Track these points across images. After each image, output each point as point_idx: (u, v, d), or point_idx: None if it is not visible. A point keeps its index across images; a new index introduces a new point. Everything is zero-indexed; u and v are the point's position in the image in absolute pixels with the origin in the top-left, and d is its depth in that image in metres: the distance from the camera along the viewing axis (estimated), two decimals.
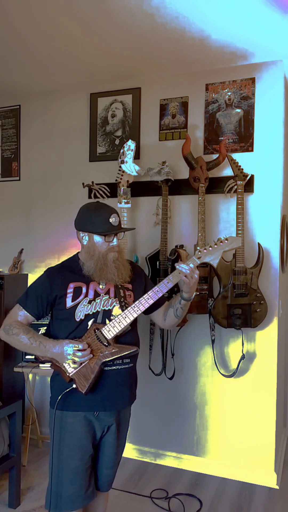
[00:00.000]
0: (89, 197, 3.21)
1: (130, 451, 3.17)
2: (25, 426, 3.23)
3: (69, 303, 1.74)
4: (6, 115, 3.62)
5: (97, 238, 1.77)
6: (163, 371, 2.99)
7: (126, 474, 2.94)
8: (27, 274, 3.49)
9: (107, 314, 1.75)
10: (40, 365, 3.03)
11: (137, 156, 3.03)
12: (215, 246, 1.78)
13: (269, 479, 2.83)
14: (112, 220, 1.76)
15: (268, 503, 2.66)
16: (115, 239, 1.79)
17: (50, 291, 1.77)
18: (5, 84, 3.28)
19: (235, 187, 2.75)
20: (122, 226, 1.91)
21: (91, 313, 1.74)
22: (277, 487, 2.81)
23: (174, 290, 2.75)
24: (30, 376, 3.30)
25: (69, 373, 1.70)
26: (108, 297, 1.77)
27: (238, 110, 2.89)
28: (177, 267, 1.74)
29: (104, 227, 1.75)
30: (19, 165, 3.59)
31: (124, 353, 1.70)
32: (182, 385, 3.05)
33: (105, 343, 1.69)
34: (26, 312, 1.79)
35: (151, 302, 1.75)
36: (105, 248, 1.77)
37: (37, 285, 1.81)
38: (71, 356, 1.66)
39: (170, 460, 3.08)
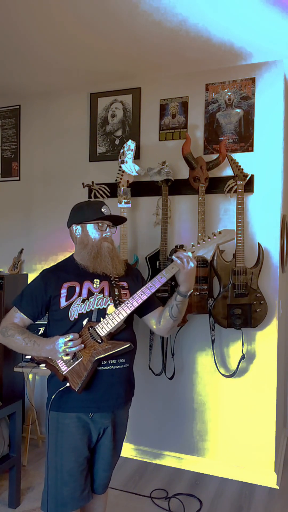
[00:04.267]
0: (89, 197, 3.21)
1: (130, 451, 3.17)
2: (25, 426, 3.23)
3: (63, 303, 1.74)
4: (6, 115, 3.62)
5: (90, 228, 1.80)
6: (163, 371, 2.99)
7: (126, 474, 2.94)
8: (27, 274, 3.50)
9: (102, 313, 1.74)
10: (39, 365, 3.02)
11: (137, 156, 3.03)
12: (209, 239, 1.75)
13: (269, 479, 2.83)
14: (104, 210, 1.80)
15: (268, 503, 2.66)
16: (108, 229, 1.81)
17: (45, 292, 1.77)
18: (5, 84, 3.28)
19: (235, 187, 2.75)
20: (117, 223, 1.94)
21: (84, 312, 1.73)
22: (277, 487, 2.81)
23: (172, 284, 2.77)
24: (30, 376, 3.30)
25: (63, 371, 1.70)
26: (102, 295, 1.76)
27: (238, 110, 2.89)
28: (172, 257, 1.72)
29: (96, 215, 1.79)
30: (19, 165, 3.59)
31: (117, 349, 1.68)
32: (182, 385, 3.05)
33: (98, 341, 1.68)
34: (22, 314, 1.79)
35: (145, 297, 1.71)
36: (99, 237, 1.79)
37: (32, 286, 1.82)
38: (63, 348, 1.65)
39: (170, 460, 3.08)
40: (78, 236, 1.82)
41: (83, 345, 1.68)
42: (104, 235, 1.80)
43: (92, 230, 1.80)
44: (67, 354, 1.67)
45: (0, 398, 3.10)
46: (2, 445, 2.53)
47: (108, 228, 1.82)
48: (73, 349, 1.66)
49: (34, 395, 3.35)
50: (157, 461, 3.11)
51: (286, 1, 2.17)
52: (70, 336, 1.66)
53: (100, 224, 1.79)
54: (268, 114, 2.83)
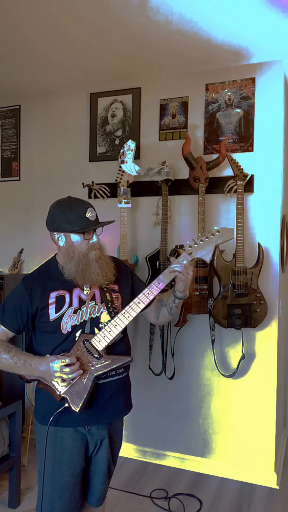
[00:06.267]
0: (89, 197, 3.21)
1: (130, 451, 3.17)
2: (25, 426, 3.23)
3: (52, 315, 1.62)
4: (6, 115, 3.62)
5: (75, 237, 1.63)
6: (163, 371, 2.99)
7: (126, 474, 2.94)
8: None
9: (95, 322, 1.64)
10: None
11: (137, 156, 3.03)
12: (206, 239, 1.63)
13: (269, 479, 2.83)
14: (88, 215, 1.62)
15: (268, 503, 2.66)
16: (94, 236, 1.65)
17: (30, 304, 1.63)
18: (5, 84, 3.28)
19: (235, 187, 2.75)
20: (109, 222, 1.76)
21: (78, 323, 1.62)
22: (277, 487, 2.81)
23: (172, 284, 2.76)
24: None
25: (60, 392, 1.58)
26: (94, 303, 1.65)
27: (238, 110, 2.89)
28: (169, 267, 1.62)
29: (81, 224, 1.61)
30: (19, 165, 3.59)
31: (118, 365, 1.60)
32: (182, 385, 3.05)
33: (96, 355, 1.58)
34: (4, 328, 1.65)
35: (143, 306, 1.62)
36: (85, 247, 1.63)
37: (14, 297, 1.66)
38: (58, 373, 1.53)
39: (170, 460, 3.08)
40: (62, 245, 1.65)
41: (81, 371, 1.56)
42: (91, 242, 1.64)
43: (77, 239, 1.63)
44: (63, 380, 1.55)
45: (0, 398, 3.10)
46: (2, 445, 2.53)
47: (94, 234, 1.65)
48: (70, 375, 1.54)
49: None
50: (157, 461, 3.11)
51: (286, 1, 2.17)
52: (67, 360, 1.54)
53: (86, 233, 1.63)
54: (268, 114, 2.83)
